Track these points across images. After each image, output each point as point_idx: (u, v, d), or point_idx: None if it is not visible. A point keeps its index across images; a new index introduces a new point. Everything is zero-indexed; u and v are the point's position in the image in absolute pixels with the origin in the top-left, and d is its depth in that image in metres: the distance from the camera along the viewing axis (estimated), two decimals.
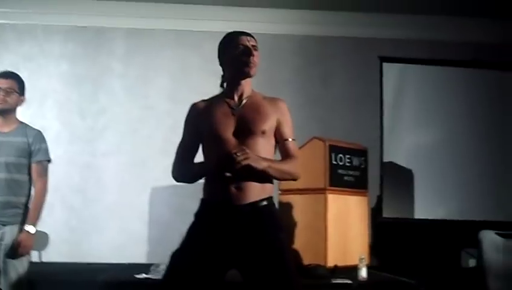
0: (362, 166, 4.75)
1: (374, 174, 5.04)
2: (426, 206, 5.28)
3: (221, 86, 2.60)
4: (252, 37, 2.54)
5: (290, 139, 2.54)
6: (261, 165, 2.33)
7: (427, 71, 5.57)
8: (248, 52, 2.46)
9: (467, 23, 5.78)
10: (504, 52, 5.75)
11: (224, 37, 2.58)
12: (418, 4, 5.53)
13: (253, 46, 2.49)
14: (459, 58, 5.67)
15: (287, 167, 2.48)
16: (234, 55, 2.48)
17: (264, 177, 2.40)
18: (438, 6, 5.53)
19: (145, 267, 4.12)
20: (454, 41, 5.80)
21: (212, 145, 2.46)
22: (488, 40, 5.77)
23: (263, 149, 2.42)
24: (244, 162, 2.26)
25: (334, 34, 5.83)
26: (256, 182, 2.38)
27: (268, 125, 2.47)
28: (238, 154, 2.25)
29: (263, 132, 2.44)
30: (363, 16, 5.76)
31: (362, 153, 4.79)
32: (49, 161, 3.57)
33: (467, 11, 5.63)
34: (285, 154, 2.53)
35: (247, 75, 2.50)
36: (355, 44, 5.85)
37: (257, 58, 2.50)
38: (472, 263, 5.11)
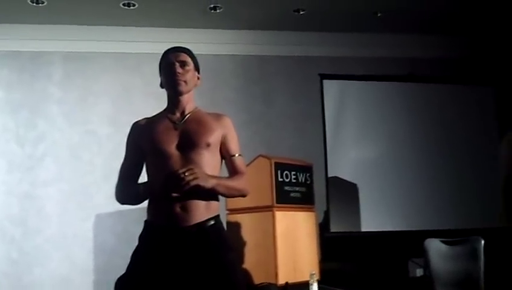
0: (308, 182, 4.78)
1: (319, 189, 5.08)
2: (372, 219, 5.35)
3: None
4: (184, 51, 2.46)
5: (237, 155, 2.47)
6: (210, 183, 2.25)
7: (366, 87, 5.70)
8: (173, 70, 2.39)
9: (402, 40, 5.97)
10: (438, 66, 5.97)
11: (161, 56, 2.52)
12: (355, 23, 5.67)
13: (181, 61, 2.41)
14: (396, 74, 5.84)
15: (235, 183, 2.41)
16: (164, 74, 2.44)
17: (211, 194, 2.32)
18: (374, 24, 5.68)
19: None
20: (390, 57, 5.98)
21: (155, 161, 2.35)
22: (422, 55, 5.98)
23: (208, 163, 2.33)
24: (193, 183, 2.17)
25: (274, 53, 5.92)
26: (202, 199, 2.29)
27: (213, 138, 2.38)
28: (187, 174, 2.16)
29: (208, 145, 2.34)
30: (301, 35, 5.85)
31: (307, 169, 4.82)
32: None
33: (401, 28, 5.82)
34: (233, 170, 2.45)
35: (178, 93, 2.41)
36: (295, 62, 5.94)
37: (187, 74, 2.41)
38: (419, 272, 5.21)
